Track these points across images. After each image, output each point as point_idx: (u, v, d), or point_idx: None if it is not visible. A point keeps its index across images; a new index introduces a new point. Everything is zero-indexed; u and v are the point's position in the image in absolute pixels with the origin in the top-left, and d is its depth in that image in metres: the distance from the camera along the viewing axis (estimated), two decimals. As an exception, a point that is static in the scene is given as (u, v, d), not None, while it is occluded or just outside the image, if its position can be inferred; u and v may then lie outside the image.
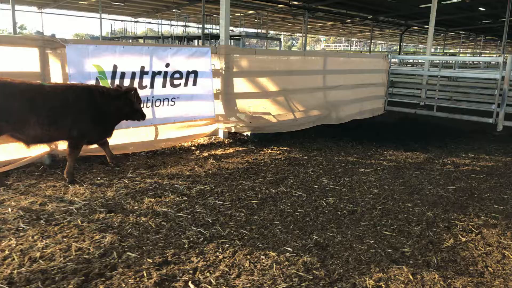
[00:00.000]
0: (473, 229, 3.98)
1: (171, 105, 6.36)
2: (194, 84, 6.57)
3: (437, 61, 18.19)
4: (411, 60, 27.85)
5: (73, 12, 36.12)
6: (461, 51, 60.50)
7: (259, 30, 47.18)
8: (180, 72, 6.41)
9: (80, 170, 5.19)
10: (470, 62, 23.36)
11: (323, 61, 8.91)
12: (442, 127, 9.74)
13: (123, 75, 5.75)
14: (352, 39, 60.54)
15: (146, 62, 6.00)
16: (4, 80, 4.30)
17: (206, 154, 6.37)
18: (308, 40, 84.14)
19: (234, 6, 33.35)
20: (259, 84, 7.61)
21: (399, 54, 30.60)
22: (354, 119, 9.77)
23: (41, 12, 35.88)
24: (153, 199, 4.36)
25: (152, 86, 6.10)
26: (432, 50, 66.66)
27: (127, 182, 4.87)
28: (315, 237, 3.66)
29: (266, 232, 3.72)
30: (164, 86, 6.25)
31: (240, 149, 6.80)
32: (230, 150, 6.70)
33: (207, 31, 22.74)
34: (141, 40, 29.15)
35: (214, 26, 24.86)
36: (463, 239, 3.74)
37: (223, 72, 6.92)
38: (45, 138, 4.61)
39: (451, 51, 64.31)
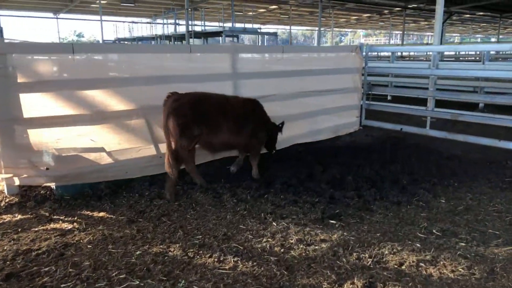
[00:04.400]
0: None
1: None
2: None
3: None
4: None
5: (88, 16, 35.21)
6: (525, 41, 52.97)
7: (286, 27, 43.94)
8: None
9: None
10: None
11: (230, 60, 5.79)
12: (434, 157, 6.16)
13: None
14: (396, 32, 55.17)
15: None
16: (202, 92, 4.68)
17: None
18: (356, 35, 78.61)
19: (254, 1, 30.48)
20: (86, 100, 4.66)
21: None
22: (298, 143, 6.59)
23: (57, 18, 35.19)
24: None
25: None
26: (493, 39, 59.23)
27: None
28: None
29: None
30: None
31: (18, 218, 3.93)
32: (-10, 222, 3.85)
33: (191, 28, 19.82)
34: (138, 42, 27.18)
35: (198, 22, 21.92)
36: None
37: (-7, 85, 4.09)
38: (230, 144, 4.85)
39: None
